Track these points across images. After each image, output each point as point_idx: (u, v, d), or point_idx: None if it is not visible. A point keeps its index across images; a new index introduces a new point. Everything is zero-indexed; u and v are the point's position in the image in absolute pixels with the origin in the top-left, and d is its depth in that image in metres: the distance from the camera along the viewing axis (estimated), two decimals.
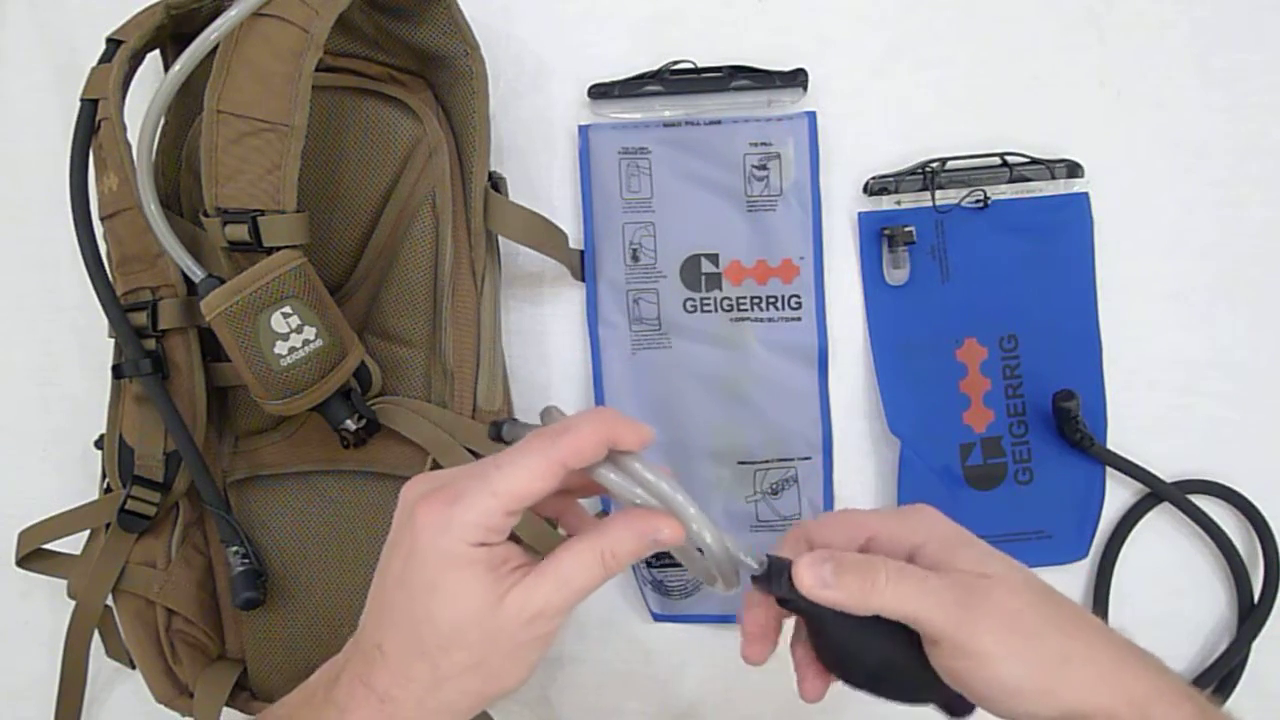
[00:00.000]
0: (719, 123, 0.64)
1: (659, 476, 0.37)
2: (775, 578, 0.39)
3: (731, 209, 0.64)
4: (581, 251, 0.65)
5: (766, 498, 0.64)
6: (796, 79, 0.64)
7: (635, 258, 0.65)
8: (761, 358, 0.64)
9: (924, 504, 0.42)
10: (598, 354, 0.65)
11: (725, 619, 0.64)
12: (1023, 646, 0.37)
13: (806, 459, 0.64)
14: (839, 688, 0.42)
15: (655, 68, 0.64)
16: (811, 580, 0.38)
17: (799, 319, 0.64)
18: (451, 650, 0.37)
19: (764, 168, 0.64)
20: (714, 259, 0.64)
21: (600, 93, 0.64)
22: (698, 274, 0.64)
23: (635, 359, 0.65)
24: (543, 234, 0.62)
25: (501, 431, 0.40)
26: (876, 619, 0.38)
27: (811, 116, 0.64)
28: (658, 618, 0.65)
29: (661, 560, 0.63)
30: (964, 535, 0.41)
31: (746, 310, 0.64)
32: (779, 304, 0.64)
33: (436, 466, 0.58)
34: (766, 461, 0.64)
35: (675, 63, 0.65)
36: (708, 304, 0.64)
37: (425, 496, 0.37)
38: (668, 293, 0.64)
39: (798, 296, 0.64)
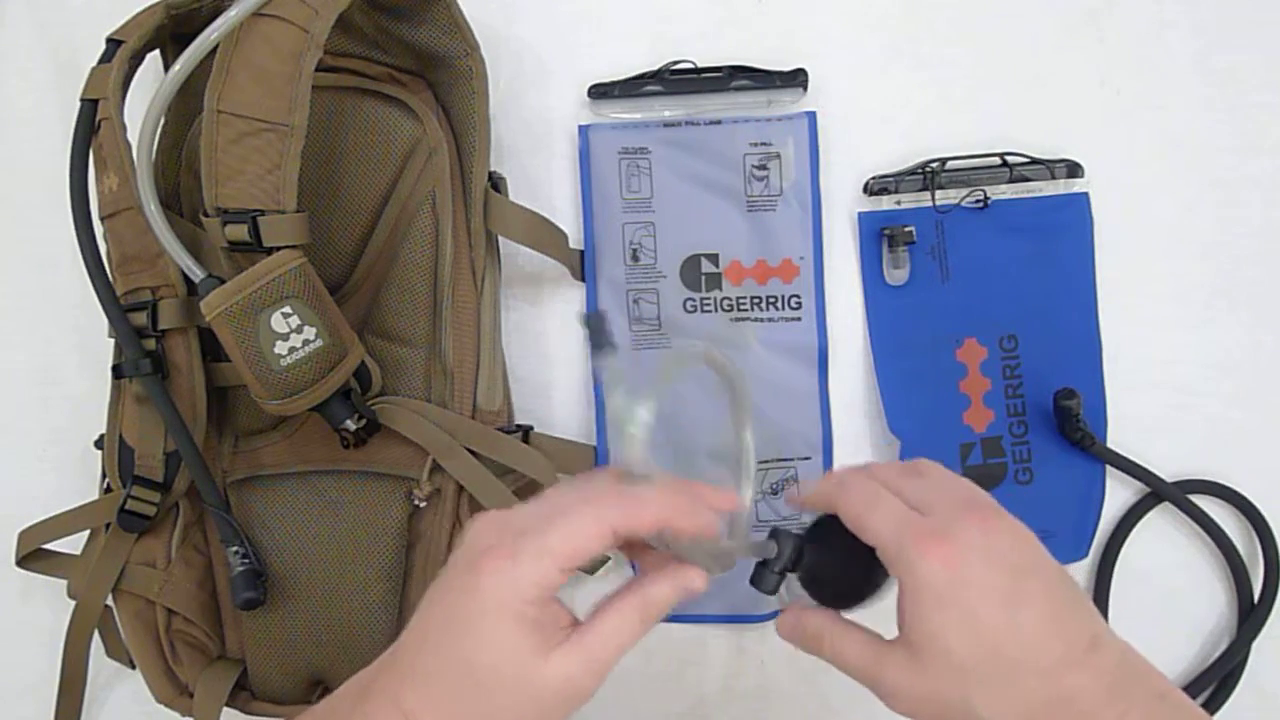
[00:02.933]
0: (719, 123, 0.64)
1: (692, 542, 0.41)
2: (782, 552, 0.43)
3: (731, 209, 0.64)
4: (581, 251, 0.65)
5: (766, 498, 0.64)
6: (796, 79, 0.64)
7: (635, 258, 0.65)
8: (761, 358, 0.64)
9: (962, 519, 0.43)
10: None
11: (726, 619, 0.64)
12: (958, 703, 0.38)
13: (806, 459, 0.64)
14: (846, 693, 0.42)
15: (655, 68, 0.64)
16: (788, 638, 0.44)
17: (799, 319, 0.64)
18: (493, 694, 0.37)
19: (764, 168, 0.64)
20: (714, 259, 0.64)
21: (600, 93, 0.64)
22: (698, 274, 0.64)
23: (635, 359, 0.65)
24: (543, 234, 0.62)
25: (590, 324, 0.43)
26: (859, 564, 0.42)
27: (811, 116, 0.64)
28: None
29: None
30: (950, 593, 0.39)
31: (746, 310, 0.64)
32: (779, 304, 0.64)
33: (436, 466, 0.59)
34: (766, 461, 0.64)
35: (675, 63, 0.64)
36: (708, 304, 0.64)
37: (491, 549, 0.38)
38: (668, 293, 0.64)
39: (798, 296, 0.64)
